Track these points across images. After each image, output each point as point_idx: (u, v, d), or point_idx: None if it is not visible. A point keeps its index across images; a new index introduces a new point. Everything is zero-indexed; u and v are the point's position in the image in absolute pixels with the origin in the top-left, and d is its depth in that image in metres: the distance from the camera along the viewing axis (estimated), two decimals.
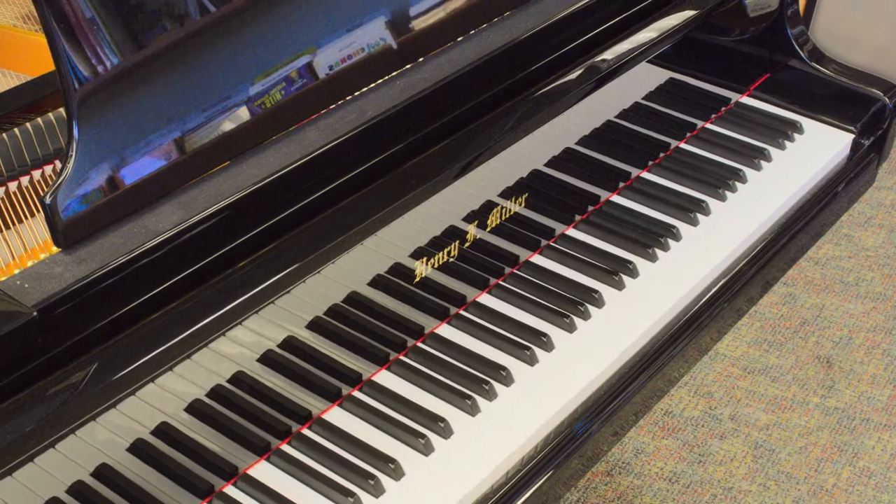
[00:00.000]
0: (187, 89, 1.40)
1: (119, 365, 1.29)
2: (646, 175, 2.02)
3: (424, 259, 1.67)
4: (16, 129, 1.47)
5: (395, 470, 1.49)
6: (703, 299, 1.84)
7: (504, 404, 1.60)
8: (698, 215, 1.93)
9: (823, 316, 3.18)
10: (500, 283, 1.77)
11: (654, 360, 1.74)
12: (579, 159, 1.93)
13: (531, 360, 1.66)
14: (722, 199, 1.97)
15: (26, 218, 1.45)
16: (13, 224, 1.45)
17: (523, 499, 1.54)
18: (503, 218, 1.77)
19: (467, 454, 1.53)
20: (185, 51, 1.40)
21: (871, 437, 2.83)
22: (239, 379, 1.48)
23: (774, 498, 2.67)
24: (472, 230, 1.73)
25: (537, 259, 1.83)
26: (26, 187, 1.47)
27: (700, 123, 2.13)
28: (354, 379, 1.59)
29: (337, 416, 1.56)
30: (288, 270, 1.42)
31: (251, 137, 1.45)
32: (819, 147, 2.10)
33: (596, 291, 1.76)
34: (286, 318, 1.51)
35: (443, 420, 1.55)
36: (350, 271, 1.57)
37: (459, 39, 1.67)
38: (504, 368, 1.63)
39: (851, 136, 2.13)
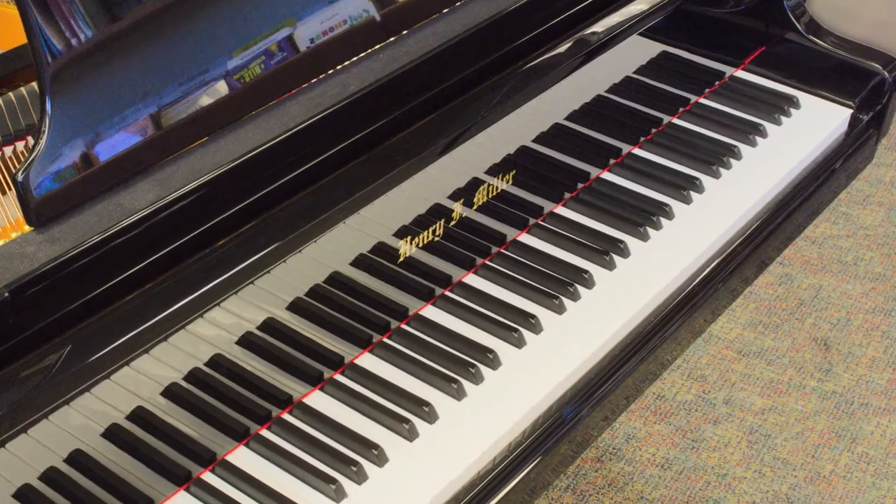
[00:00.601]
0: (164, 63, 1.39)
1: (93, 347, 1.28)
2: (637, 151, 2.01)
3: (409, 238, 1.65)
4: None
5: (378, 456, 1.48)
6: (697, 280, 1.83)
7: (491, 388, 1.59)
8: (691, 193, 1.92)
9: (821, 297, 3.16)
10: (487, 262, 1.77)
11: (645, 342, 1.73)
12: (569, 135, 1.92)
13: (519, 343, 1.64)
14: (716, 176, 1.96)
15: None
16: None
17: (511, 486, 1.53)
18: (490, 196, 1.76)
19: (453, 440, 1.52)
20: (162, 23, 1.39)
21: (870, 421, 2.81)
22: (217, 362, 1.47)
23: (770, 485, 2.65)
24: (458, 208, 1.72)
25: (525, 238, 1.82)
26: None
27: (693, 98, 2.13)
28: (336, 362, 1.58)
29: (318, 400, 1.55)
30: (268, 250, 1.42)
31: (230, 112, 1.45)
32: (816, 122, 2.10)
33: (586, 271, 1.75)
34: (266, 299, 1.50)
35: (428, 405, 1.54)
36: (332, 251, 1.56)
37: (445, 11, 1.67)
38: (491, 351, 1.61)
39: (849, 111, 2.13)
